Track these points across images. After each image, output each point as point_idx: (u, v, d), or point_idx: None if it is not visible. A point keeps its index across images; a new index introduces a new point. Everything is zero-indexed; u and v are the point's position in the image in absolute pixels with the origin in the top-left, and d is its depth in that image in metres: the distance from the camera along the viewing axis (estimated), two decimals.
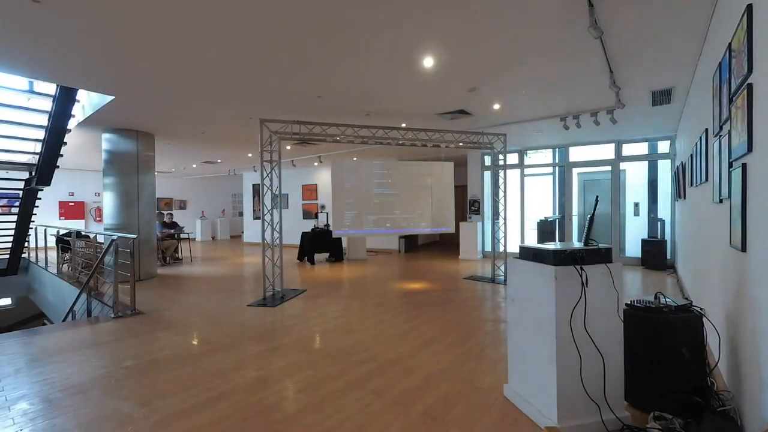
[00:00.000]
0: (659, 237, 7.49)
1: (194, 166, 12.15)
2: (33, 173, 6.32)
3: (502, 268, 6.60)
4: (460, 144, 6.65)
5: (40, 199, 7.02)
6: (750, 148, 1.74)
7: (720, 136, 2.39)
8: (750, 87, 1.73)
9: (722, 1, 2.56)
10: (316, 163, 11.60)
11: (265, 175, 5.41)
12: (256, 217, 13.81)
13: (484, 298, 5.38)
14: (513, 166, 9.00)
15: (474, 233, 9.23)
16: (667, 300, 2.31)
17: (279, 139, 5.44)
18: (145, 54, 3.58)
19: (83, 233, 8.03)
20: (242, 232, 15.38)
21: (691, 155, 4.01)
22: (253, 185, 14.12)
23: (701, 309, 2.27)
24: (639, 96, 5.02)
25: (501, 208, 6.81)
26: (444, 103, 5.44)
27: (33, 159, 6.20)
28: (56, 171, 6.28)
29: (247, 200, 14.63)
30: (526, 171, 9.20)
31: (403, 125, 6.39)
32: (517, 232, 8.93)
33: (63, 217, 12.71)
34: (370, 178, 8.35)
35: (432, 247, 12.04)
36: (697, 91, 3.94)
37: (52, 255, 8.41)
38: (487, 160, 9.42)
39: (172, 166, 12.25)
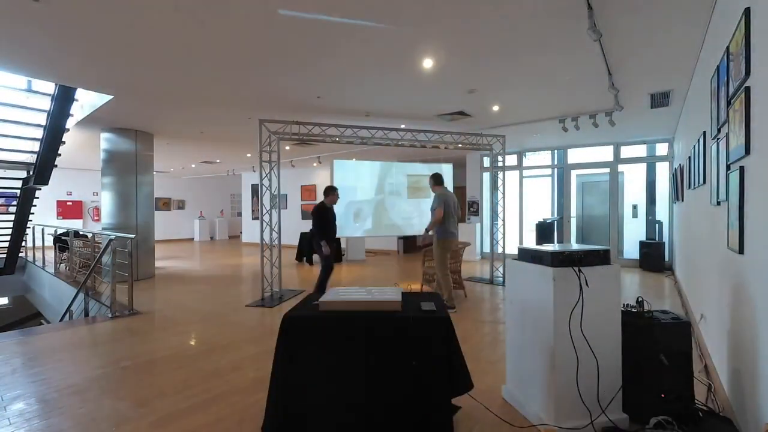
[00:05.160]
0: (657, 239, 7.51)
1: (193, 166, 12.13)
2: (31, 172, 6.31)
3: (501, 269, 6.60)
4: (459, 145, 6.66)
5: (37, 198, 7.00)
6: (748, 151, 1.75)
7: (718, 138, 2.40)
8: (748, 90, 1.74)
9: (720, 5, 2.57)
10: (315, 164, 11.59)
11: (263, 175, 5.40)
12: (255, 218, 13.79)
13: (483, 299, 5.38)
14: (512, 168, 9.01)
15: (473, 234, 9.24)
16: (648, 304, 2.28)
17: (278, 139, 5.44)
18: (145, 53, 3.58)
19: (81, 233, 8.00)
20: (241, 233, 15.37)
21: (689, 158, 4.03)
22: (252, 185, 14.11)
23: (685, 315, 2.26)
24: (637, 98, 5.04)
25: (500, 209, 6.82)
26: (443, 104, 5.45)
27: (31, 158, 6.19)
28: (54, 170, 6.27)
29: (245, 200, 14.62)
30: (525, 173, 9.21)
31: (402, 126, 6.40)
32: (516, 233, 8.94)
33: (61, 217, 12.67)
34: (369, 179, 8.35)
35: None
36: (695, 93, 3.96)
37: (50, 254, 8.39)
38: (486, 162, 9.43)
39: (171, 166, 12.23)
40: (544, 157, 9.23)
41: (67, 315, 5.50)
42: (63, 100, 5.42)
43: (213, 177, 15.35)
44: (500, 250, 6.69)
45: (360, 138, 6.00)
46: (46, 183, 6.25)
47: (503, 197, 6.84)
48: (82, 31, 3.12)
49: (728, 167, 2.10)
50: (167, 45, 3.40)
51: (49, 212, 12.23)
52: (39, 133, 5.82)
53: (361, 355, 1.92)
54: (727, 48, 2.12)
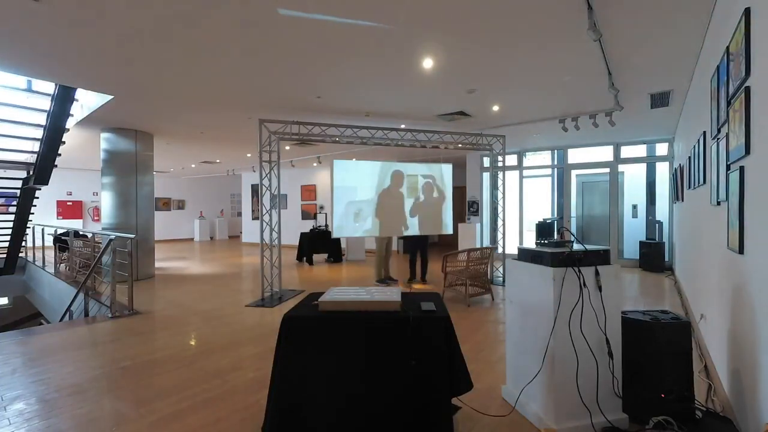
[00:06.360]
0: (657, 239, 7.51)
1: (193, 165, 12.14)
2: (31, 172, 6.31)
3: (501, 269, 6.60)
4: (459, 145, 6.66)
5: (37, 198, 7.00)
6: (748, 151, 1.75)
7: (718, 138, 2.40)
8: (748, 90, 1.74)
9: (720, 5, 2.57)
10: (315, 164, 11.59)
11: (263, 175, 5.40)
12: (255, 218, 13.79)
13: (483, 299, 5.38)
14: (512, 168, 9.01)
15: (473, 234, 9.23)
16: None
17: (278, 139, 5.44)
18: (145, 54, 3.58)
19: (81, 233, 8.00)
20: (241, 233, 15.38)
21: (689, 158, 4.03)
22: (252, 185, 14.11)
23: (685, 315, 2.26)
24: (637, 98, 5.04)
25: (499, 209, 6.82)
26: (443, 104, 5.45)
27: (31, 158, 6.19)
28: (54, 170, 6.27)
29: (245, 200, 14.62)
30: (525, 173, 9.21)
31: (402, 126, 6.40)
32: (516, 233, 8.94)
33: (61, 217, 12.67)
34: (369, 179, 8.35)
35: (431, 248, 12.01)
36: (695, 93, 3.96)
37: (50, 254, 8.38)
38: (486, 162, 9.43)
39: (171, 166, 12.24)
40: (544, 157, 9.22)
41: (67, 315, 5.50)
42: (63, 100, 5.42)
43: (213, 177, 15.36)
44: (500, 250, 6.69)
45: (360, 138, 6.00)
46: (46, 183, 6.25)
47: (503, 197, 6.84)
48: (82, 31, 3.11)
49: (728, 167, 2.10)
50: (167, 45, 3.40)
51: (49, 212, 12.23)
52: (39, 133, 5.82)
53: (361, 355, 1.92)
54: (727, 48, 2.12)
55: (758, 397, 1.63)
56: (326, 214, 11.16)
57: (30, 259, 8.81)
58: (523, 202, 9.08)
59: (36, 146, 5.98)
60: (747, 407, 1.81)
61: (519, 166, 9.17)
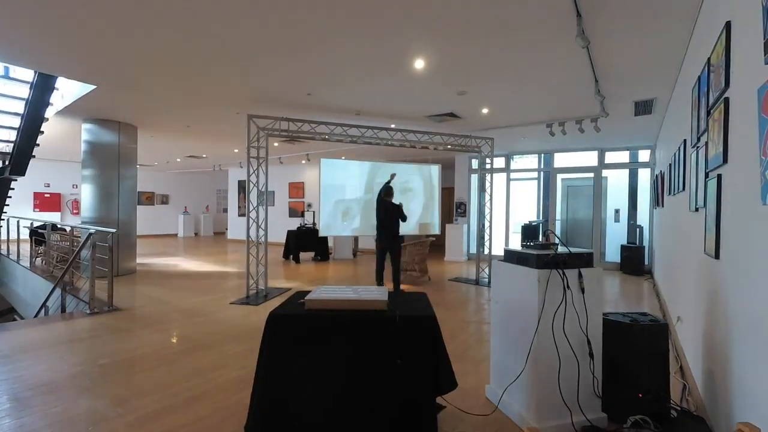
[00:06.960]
0: (638, 243, 7.71)
1: (178, 160, 11.89)
2: (6, 162, 6.07)
3: (487, 270, 6.67)
4: (448, 147, 6.70)
5: (13, 189, 6.75)
6: (725, 160, 1.81)
7: (697, 147, 2.48)
8: (727, 101, 1.80)
9: (702, 18, 2.66)
10: (303, 161, 11.50)
11: (251, 171, 5.33)
12: (242, 214, 13.60)
13: (468, 299, 5.43)
14: (499, 170, 9.12)
15: (460, 235, 9.31)
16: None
17: (267, 135, 5.38)
18: (130, 42, 3.49)
19: (59, 226, 7.76)
20: (226, 229, 15.15)
21: (670, 165, 4.15)
22: (239, 181, 13.91)
23: (663, 317, 2.33)
24: (622, 105, 5.16)
25: (486, 211, 6.89)
26: (433, 105, 5.48)
27: (7, 147, 5.96)
28: (32, 160, 6.06)
29: (232, 196, 14.40)
30: (512, 175, 9.34)
31: (393, 126, 6.40)
32: (502, 235, 9.05)
33: (37, 209, 12.25)
34: (358, 178, 8.33)
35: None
36: (677, 102, 4.07)
37: (25, 248, 8.10)
38: (475, 164, 9.51)
39: (155, 160, 11.96)
40: (531, 161, 9.37)
41: (43, 311, 5.33)
42: (42, 88, 5.25)
43: (199, 172, 15.08)
44: (486, 252, 6.76)
45: (350, 136, 5.98)
46: (22, 174, 6.03)
47: (490, 199, 6.91)
48: (63, 17, 3.01)
49: (707, 175, 2.17)
50: (153, 34, 3.32)
51: (26, 204, 11.81)
52: (16, 122, 5.61)
53: (346, 354, 1.91)
54: (708, 59, 2.19)
55: (730, 397, 1.69)
56: (314, 212, 11.08)
57: (4, 252, 8.50)
58: (510, 204, 9.20)
59: (12, 135, 5.76)
60: (719, 407, 1.87)
61: (506, 169, 9.29)
